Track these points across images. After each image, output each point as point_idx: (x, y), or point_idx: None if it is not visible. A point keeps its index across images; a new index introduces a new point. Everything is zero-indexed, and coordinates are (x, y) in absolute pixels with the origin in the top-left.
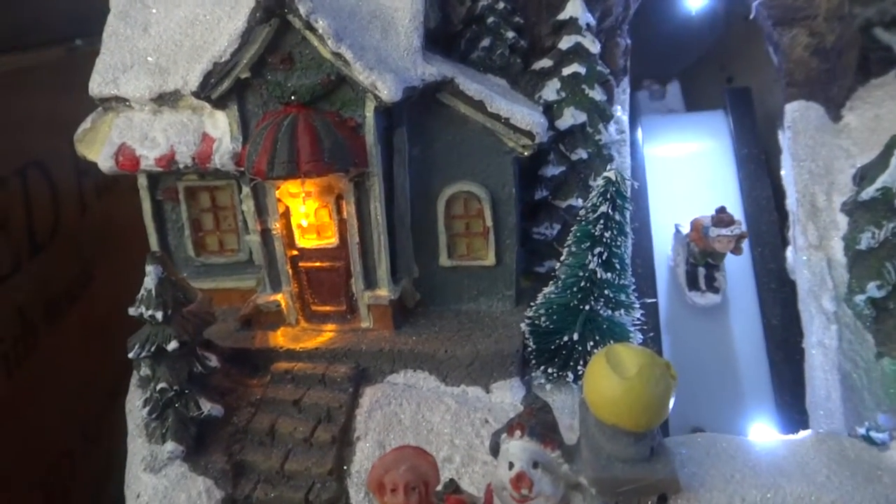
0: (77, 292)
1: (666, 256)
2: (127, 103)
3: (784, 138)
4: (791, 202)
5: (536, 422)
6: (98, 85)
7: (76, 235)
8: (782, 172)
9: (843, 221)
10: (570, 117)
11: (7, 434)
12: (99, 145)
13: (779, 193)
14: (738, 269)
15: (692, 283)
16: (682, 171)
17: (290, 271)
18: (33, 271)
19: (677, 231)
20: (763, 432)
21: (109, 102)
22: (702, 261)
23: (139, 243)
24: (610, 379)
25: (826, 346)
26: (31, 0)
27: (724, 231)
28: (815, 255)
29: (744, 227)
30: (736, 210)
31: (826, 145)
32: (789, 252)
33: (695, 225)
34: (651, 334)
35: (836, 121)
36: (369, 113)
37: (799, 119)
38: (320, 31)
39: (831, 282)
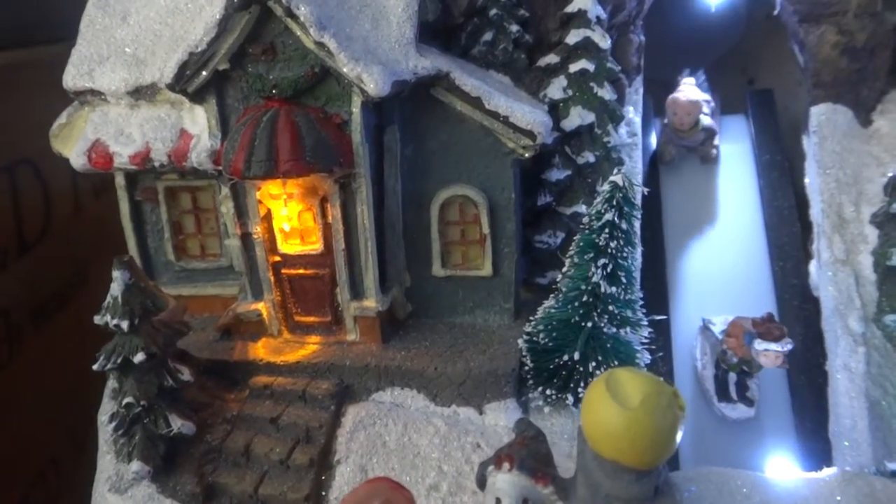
0: (68, 294)
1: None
2: (102, 97)
3: (809, 144)
4: (816, 213)
5: (528, 453)
6: (72, 77)
7: (69, 236)
8: (806, 180)
9: (872, 234)
10: (577, 117)
11: None
12: (74, 141)
13: (802, 203)
14: (756, 284)
15: (722, 393)
16: (699, 178)
17: (272, 278)
18: (20, 271)
19: (706, 328)
20: (783, 468)
21: (84, 96)
22: (735, 368)
23: None
24: (610, 409)
25: (852, 370)
26: None
27: (773, 346)
28: (842, 271)
29: (791, 344)
30: (756, 220)
31: (855, 152)
32: (813, 266)
33: (733, 330)
34: (660, 354)
35: (866, 126)
36: (356, 109)
37: (825, 123)
38: (302, 18)
39: (859, 300)
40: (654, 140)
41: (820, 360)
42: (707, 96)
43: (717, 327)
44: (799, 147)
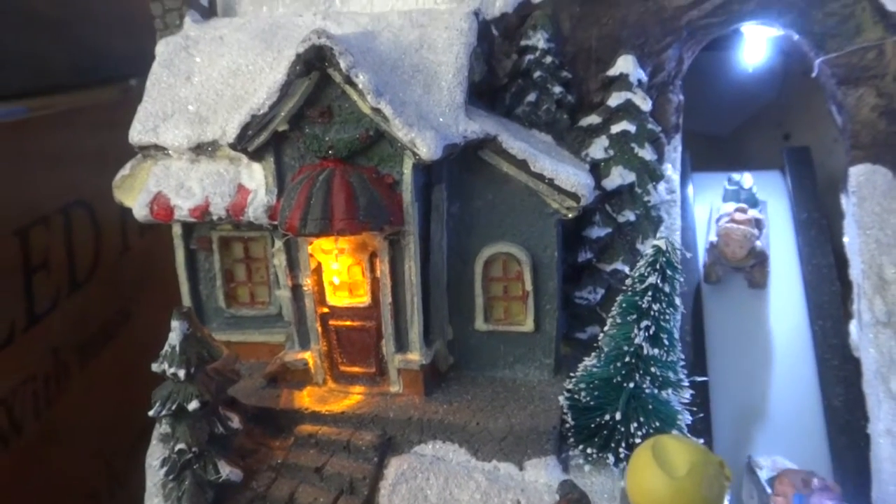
0: (113, 331)
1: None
2: (165, 151)
3: (848, 203)
4: (856, 273)
5: None
6: (138, 133)
7: (116, 273)
8: (845, 240)
9: None
10: (619, 177)
11: (31, 475)
12: (136, 192)
13: (841, 261)
14: (795, 342)
15: None
16: None
17: (319, 329)
18: (70, 309)
19: (752, 471)
20: None
21: (148, 150)
22: None
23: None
24: (657, 478)
25: None
26: (91, 40)
27: None
28: (884, 333)
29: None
30: (794, 278)
31: (895, 213)
32: (853, 326)
33: (781, 488)
34: (701, 415)
35: None
36: (407, 170)
37: (865, 183)
38: (360, 85)
39: None
40: (691, 192)
41: (861, 422)
42: (758, 213)
43: (764, 473)
44: (836, 204)
